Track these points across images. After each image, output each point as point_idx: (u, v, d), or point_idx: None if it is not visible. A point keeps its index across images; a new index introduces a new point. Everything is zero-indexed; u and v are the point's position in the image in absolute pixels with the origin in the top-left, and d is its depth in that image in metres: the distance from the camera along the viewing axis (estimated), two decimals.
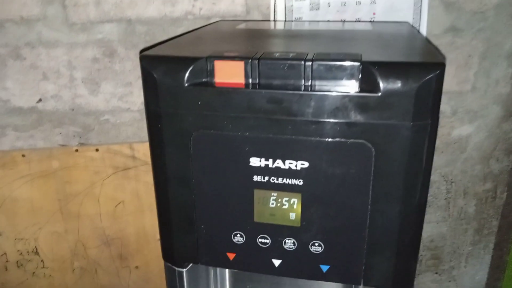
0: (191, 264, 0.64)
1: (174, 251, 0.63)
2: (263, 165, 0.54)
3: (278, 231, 0.58)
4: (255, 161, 0.54)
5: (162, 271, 1.21)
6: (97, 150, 1.06)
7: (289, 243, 0.58)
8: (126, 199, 1.11)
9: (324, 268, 0.58)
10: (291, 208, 0.56)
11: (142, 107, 1.07)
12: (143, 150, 1.07)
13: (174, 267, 0.64)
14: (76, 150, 1.06)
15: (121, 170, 1.08)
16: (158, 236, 1.15)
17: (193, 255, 0.62)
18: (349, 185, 0.53)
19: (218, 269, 0.72)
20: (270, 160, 0.54)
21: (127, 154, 1.07)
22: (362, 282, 0.58)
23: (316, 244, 0.57)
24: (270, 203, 0.56)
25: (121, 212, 1.12)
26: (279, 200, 0.56)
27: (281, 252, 0.58)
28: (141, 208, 1.12)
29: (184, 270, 0.63)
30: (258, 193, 0.56)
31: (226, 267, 0.67)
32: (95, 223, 1.12)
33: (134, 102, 1.06)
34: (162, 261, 1.20)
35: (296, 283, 0.72)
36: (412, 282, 0.60)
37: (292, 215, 0.56)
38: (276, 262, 0.59)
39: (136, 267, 1.18)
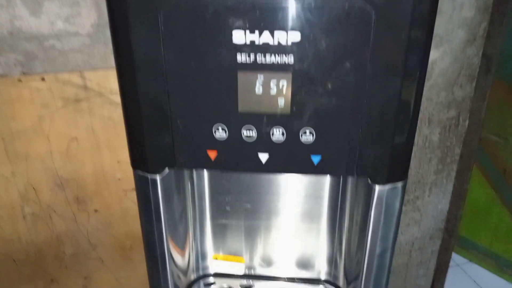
0: (166, 170, 0.57)
1: (145, 154, 0.55)
2: (248, 42, 0.48)
3: (266, 120, 0.52)
4: (238, 36, 0.47)
5: (124, 213, 1.13)
6: (43, 79, 0.94)
7: (277, 134, 0.52)
8: (80, 135, 1.01)
9: (315, 159, 0.53)
10: (280, 92, 0.50)
11: (92, 30, 0.96)
12: (96, 79, 0.97)
13: (147, 174, 0.56)
14: (19, 80, 0.93)
15: (72, 102, 0.97)
16: (118, 176, 1.07)
17: (169, 157, 0.55)
18: (345, 60, 0.48)
19: (195, 177, 0.65)
20: (256, 33, 0.47)
21: (78, 83, 0.96)
22: (355, 173, 0.54)
23: (307, 133, 0.52)
24: (256, 89, 0.50)
25: (75, 151, 1.02)
26: (267, 83, 0.50)
27: (268, 145, 0.53)
28: (98, 145, 1.03)
29: (158, 176, 0.56)
30: (242, 77, 0.49)
31: (207, 168, 0.60)
32: (46, 163, 1.01)
33: (82, 24, 0.95)
34: (124, 203, 1.11)
35: (278, 191, 0.67)
36: (406, 173, 0.56)
37: (281, 101, 0.51)
38: (263, 157, 0.53)
39: (95, 210, 1.09)
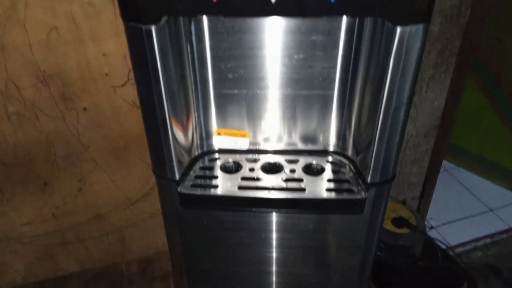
0: (162, 19, 0.50)
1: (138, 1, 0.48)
2: None
3: None
4: None
5: (115, 111, 1.07)
6: None
7: None
8: (60, 24, 0.92)
9: None
10: None
11: None
12: None
13: (140, 25, 0.50)
14: None
15: None
16: (105, 70, 1.00)
17: (164, 1, 0.48)
18: None
19: (194, 39, 0.59)
20: None
21: None
22: (376, 12, 0.48)
23: None
24: None
25: (55, 42, 0.93)
26: None
27: None
28: (80, 36, 0.94)
29: (153, 27, 0.50)
30: None
31: (209, 13, 0.54)
32: (25, 56, 0.93)
33: None
34: (114, 100, 1.05)
35: (284, 52, 0.61)
36: (430, 15, 0.51)
37: None
38: None
39: (84, 108, 1.03)
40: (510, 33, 1.87)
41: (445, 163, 2.23)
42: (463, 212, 2.00)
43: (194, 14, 0.54)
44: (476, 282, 1.25)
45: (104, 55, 0.97)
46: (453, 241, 1.81)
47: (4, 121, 0.99)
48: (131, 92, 1.04)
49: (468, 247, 1.80)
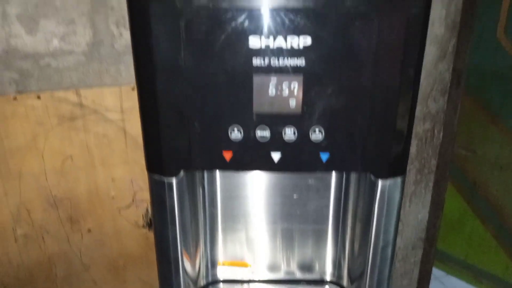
0: (181, 172, 0.59)
1: (163, 157, 0.58)
2: (263, 46, 0.52)
3: (278, 120, 0.55)
4: (254, 41, 0.51)
5: (118, 231, 1.12)
6: (38, 97, 0.95)
7: (289, 133, 0.56)
8: (75, 153, 1.01)
9: (324, 156, 0.57)
10: (291, 94, 0.54)
11: (87, 48, 0.98)
12: (92, 96, 0.98)
13: (163, 177, 0.59)
14: (15, 98, 0.94)
15: (67, 120, 0.98)
16: (112, 193, 1.07)
17: (185, 159, 0.57)
18: (352, 60, 0.53)
19: (206, 183, 0.68)
20: (271, 38, 0.51)
21: (74, 101, 0.97)
22: (360, 168, 0.58)
23: (317, 131, 0.56)
24: (270, 91, 0.54)
25: (69, 168, 1.02)
26: (279, 86, 0.54)
27: (280, 144, 0.56)
28: (92, 163, 1.03)
29: (174, 179, 0.59)
30: (257, 79, 0.53)
31: (222, 168, 0.63)
32: (39, 182, 1.00)
33: (78, 42, 0.97)
34: (117, 222, 1.11)
35: (285, 200, 0.70)
36: (405, 169, 0.61)
37: (293, 102, 0.55)
38: (276, 157, 0.57)
39: (89, 230, 1.08)
40: (481, 144, 2.01)
41: (435, 271, 2.24)
42: None
43: (210, 169, 0.64)
44: None
45: (112, 179, 1.05)
46: None
47: (11, 244, 1.03)
48: (134, 213, 1.10)
49: None
